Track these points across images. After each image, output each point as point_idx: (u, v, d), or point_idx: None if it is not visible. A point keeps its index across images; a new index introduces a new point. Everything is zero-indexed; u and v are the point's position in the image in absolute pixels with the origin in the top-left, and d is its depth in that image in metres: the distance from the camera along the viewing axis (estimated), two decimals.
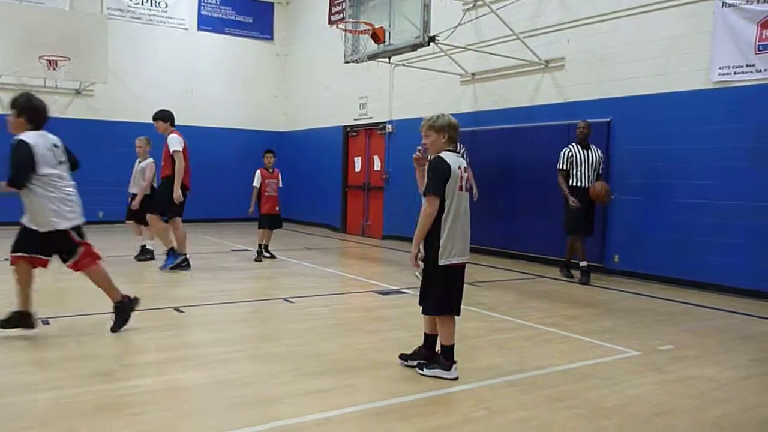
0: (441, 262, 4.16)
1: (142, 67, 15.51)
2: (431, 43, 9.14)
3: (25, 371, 4.20)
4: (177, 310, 6.13)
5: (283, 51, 17.67)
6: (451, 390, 4.04)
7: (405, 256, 11.12)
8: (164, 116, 8.59)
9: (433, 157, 4.25)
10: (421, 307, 4.37)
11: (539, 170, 10.06)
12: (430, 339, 4.47)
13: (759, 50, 7.56)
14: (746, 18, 7.65)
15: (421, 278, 4.36)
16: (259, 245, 9.92)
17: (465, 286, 4.37)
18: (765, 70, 7.50)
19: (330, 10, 15.19)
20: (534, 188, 10.17)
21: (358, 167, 14.82)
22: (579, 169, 8.36)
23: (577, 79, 9.69)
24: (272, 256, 10.05)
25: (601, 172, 8.53)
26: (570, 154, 8.43)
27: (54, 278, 7.12)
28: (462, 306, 4.31)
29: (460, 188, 4.22)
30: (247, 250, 10.54)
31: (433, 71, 11.55)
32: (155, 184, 9.20)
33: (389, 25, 9.70)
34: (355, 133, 15.02)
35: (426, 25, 8.90)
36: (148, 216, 8.70)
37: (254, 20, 17.13)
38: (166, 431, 3.31)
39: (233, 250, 10.79)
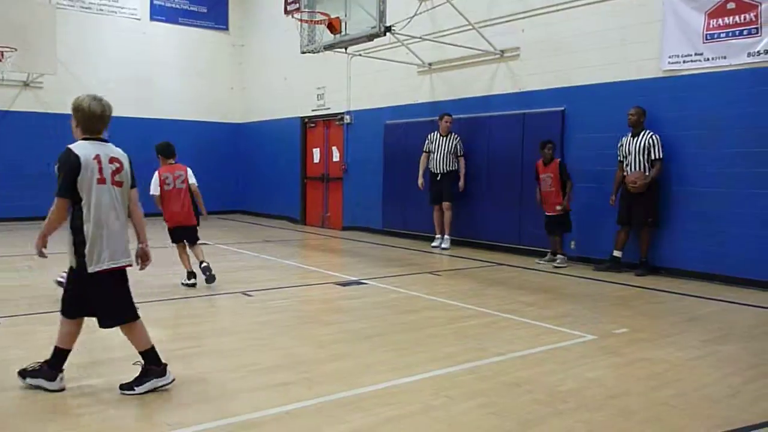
0: (90, 270, 3.58)
1: (93, 58, 15.08)
2: (388, 33, 9.13)
3: None
4: None
5: (239, 41, 17.41)
6: (411, 379, 4.05)
7: (365, 246, 11.19)
8: None
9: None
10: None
11: (496, 159, 10.17)
12: (149, 354, 3.85)
13: (707, 39, 7.74)
14: (694, 8, 7.83)
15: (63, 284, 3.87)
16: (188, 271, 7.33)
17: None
18: (713, 58, 7.69)
19: None
20: (491, 177, 10.27)
21: (316, 158, 14.73)
22: (628, 159, 8.15)
23: (532, 68, 9.77)
24: (210, 278, 7.18)
25: (657, 157, 7.91)
26: (620, 144, 8.31)
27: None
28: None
29: (101, 181, 3.59)
30: (205, 243, 10.40)
31: (390, 61, 11.53)
32: None
33: (345, 15, 9.65)
34: (313, 124, 14.92)
35: (382, 15, 8.89)
36: None
37: (209, 10, 16.82)
38: (122, 431, 3.24)
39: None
